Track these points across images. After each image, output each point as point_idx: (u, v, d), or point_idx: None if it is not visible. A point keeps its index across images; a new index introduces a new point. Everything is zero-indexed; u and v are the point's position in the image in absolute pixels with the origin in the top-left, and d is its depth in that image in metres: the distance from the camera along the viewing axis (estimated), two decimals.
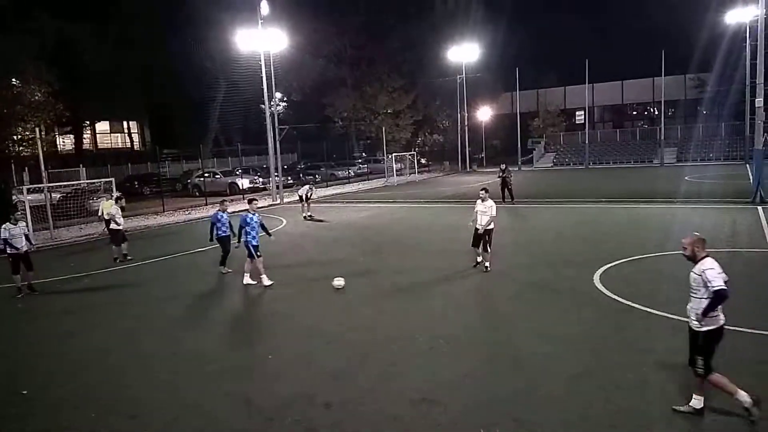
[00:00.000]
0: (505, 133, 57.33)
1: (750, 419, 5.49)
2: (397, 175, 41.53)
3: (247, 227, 11.78)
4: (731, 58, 42.56)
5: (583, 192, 27.31)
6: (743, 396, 5.54)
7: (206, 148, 42.52)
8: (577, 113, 60.32)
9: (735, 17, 37.04)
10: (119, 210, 15.75)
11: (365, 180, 43.75)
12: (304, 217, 22.35)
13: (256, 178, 37.19)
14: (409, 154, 46.02)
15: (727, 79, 46.38)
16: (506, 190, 24.58)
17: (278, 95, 33.16)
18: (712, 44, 45.47)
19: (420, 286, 11.46)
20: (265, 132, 31.28)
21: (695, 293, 5.62)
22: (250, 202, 12.45)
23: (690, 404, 5.76)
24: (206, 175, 35.47)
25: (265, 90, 30.27)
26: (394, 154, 42.91)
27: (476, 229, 12.04)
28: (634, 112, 62.76)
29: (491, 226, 12.00)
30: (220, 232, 13.28)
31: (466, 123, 51.82)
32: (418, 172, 46.20)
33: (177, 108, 46.58)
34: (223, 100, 45.22)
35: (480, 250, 12.11)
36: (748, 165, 33.88)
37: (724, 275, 5.52)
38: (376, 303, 10.45)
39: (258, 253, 11.79)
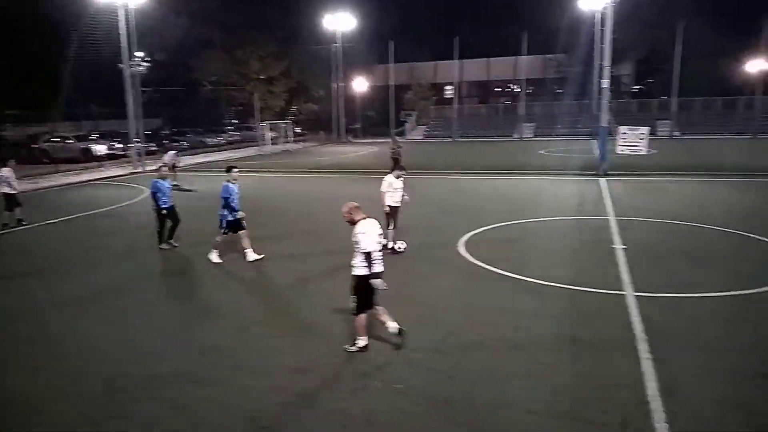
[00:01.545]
0: (380, 105, 58.07)
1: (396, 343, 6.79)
2: (271, 143, 40.53)
3: (230, 198, 10.58)
4: (585, 42, 46.47)
5: (450, 164, 28.59)
6: (392, 325, 6.81)
7: (56, 110, 38.33)
8: (446, 88, 62.60)
9: (588, 4, 40.30)
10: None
11: (237, 148, 42.24)
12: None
13: (114, 143, 34.34)
14: (284, 123, 45.04)
15: (580, 61, 50.69)
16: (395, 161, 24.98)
17: (140, 54, 30.55)
18: (568, 28, 49.30)
19: (305, 258, 11.41)
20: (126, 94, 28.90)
21: (356, 250, 6.60)
22: (229, 170, 10.92)
23: (356, 344, 6.78)
24: (56, 139, 32.06)
25: (124, 47, 27.84)
26: (267, 122, 41.76)
27: (391, 207, 11.36)
28: (498, 89, 66.44)
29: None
30: (161, 203, 11.93)
31: (341, 93, 51.70)
32: (294, 141, 45.47)
33: (20, 64, 41.23)
34: (76, 56, 40.75)
35: (391, 228, 11.37)
36: (594, 140, 37.50)
37: (374, 236, 6.56)
38: (255, 278, 10.27)
39: (225, 230, 10.84)
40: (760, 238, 11.78)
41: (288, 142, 43.82)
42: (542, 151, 35.24)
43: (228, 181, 10.69)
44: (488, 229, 13.22)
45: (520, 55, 49.14)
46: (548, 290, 8.92)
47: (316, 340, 7.24)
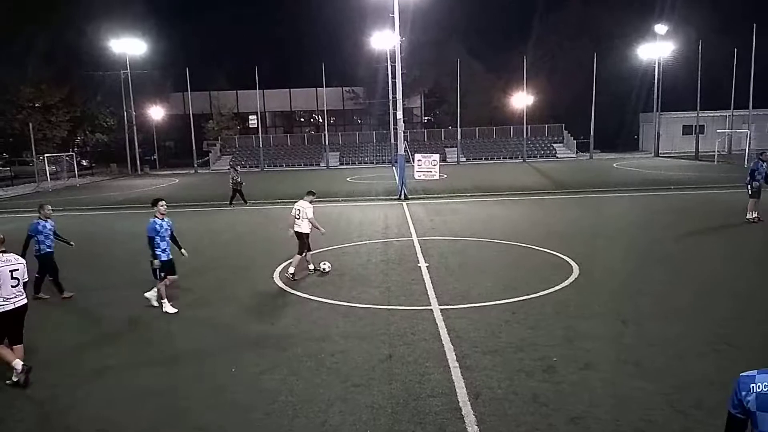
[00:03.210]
0: (179, 135, 55.22)
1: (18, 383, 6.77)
2: (51, 179, 35.93)
3: (157, 237, 9.23)
4: (378, 76, 49.71)
5: (261, 193, 28.18)
6: (18, 364, 6.77)
7: None
8: (250, 117, 61.96)
9: (379, 42, 43.32)
10: None
11: (9, 185, 36.66)
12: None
13: None
14: (67, 155, 40.31)
15: (375, 94, 54.11)
16: (238, 193, 23.84)
17: None
18: (361, 62, 52.43)
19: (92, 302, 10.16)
20: None
21: None
22: (155, 203, 9.53)
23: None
24: None
25: None
26: (46, 155, 36.99)
27: (302, 234, 11.38)
28: (302, 119, 67.70)
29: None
30: (43, 247, 10.17)
31: (134, 122, 48.03)
32: (79, 176, 40.87)
33: None
34: None
35: (307, 255, 11.58)
36: (394, 167, 39.99)
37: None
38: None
39: (162, 274, 9.41)
40: (536, 248, 13.56)
41: (72, 177, 39.27)
42: (349, 179, 36.58)
43: (155, 216, 9.39)
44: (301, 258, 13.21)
45: (320, 86, 50.74)
46: (361, 312, 9.17)
47: None
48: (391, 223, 18.20)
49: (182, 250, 9.92)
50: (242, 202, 23.82)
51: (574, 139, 53.39)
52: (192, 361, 7.55)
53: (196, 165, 48.72)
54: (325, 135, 51.40)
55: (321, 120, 59.32)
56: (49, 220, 10.33)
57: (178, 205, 23.21)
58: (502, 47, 58.52)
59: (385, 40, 40.24)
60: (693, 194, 23.12)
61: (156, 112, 52.80)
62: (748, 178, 15.96)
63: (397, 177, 27.57)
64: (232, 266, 12.80)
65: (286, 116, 66.48)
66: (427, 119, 65.94)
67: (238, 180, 23.83)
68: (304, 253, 11.51)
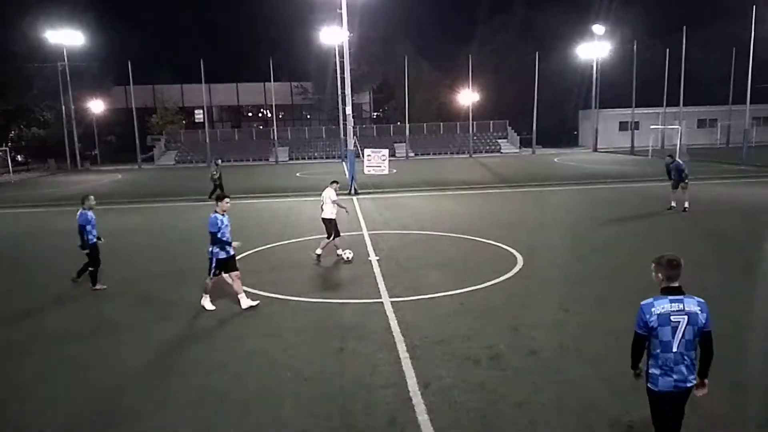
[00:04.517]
0: (122, 129, 53.33)
1: None
2: None
3: (218, 233, 8.93)
4: (327, 71, 49.50)
5: (206, 190, 27.63)
6: None
7: None
8: (196, 112, 60.53)
9: (327, 38, 43.13)
10: None
11: None
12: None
13: None
14: (0, 150, 38.33)
15: (324, 89, 53.84)
16: (218, 188, 23.26)
17: None
18: (310, 57, 52.00)
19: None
20: None
21: None
22: (221, 199, 9.22)
23: None
24: None
25: None
26: None
27: (326, 220, 12.26)
28: (250, 114, 66.62)
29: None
30: (91, 237, 10.32)
31: (73, 116, 46.07)
32: (13, 172, 38.93)
33: None
34: None
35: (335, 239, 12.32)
36: (344, 162, 39.99)
37: None
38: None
39: (215, 270, 9.12)
40: (482, 240, 13.95)
41: (6, 173, 37.36)
42: (299, 174, 36.34)
43: (215, 211, 9.08)
44: (252, 253, 13.13)
45: (268, 81, 50.08)
46: (312, 306, 9.25)
47: None
48: (342, 218, 18.23)
49: (234, 243, 9.60)
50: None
51: (517, 134, 54.87)
52: (141, 357, 7.44)
53: (140, 160, 47.26)
54: (273, 130, 50.82)
55: (270, 115, 58.55)
56: (92, 210, 10.14)
57: (121, 202, 22.56)
58: (449, 45, 59.53)
59: (333, 36, 40.08)
60: (628, 187, 24.24)
61: (96, 106, 50.80)
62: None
63: (347, 172, 27.62)
64: (180, 262, 12.58)
65: (233, 111, 65.28)
66: (376, 115, 66.18)
67: (217, 175, 23.53)
68: (332, 238, 12.24)
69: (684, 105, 43.58)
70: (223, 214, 9.08)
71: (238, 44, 64.25)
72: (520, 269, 11.17)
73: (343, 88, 29.89)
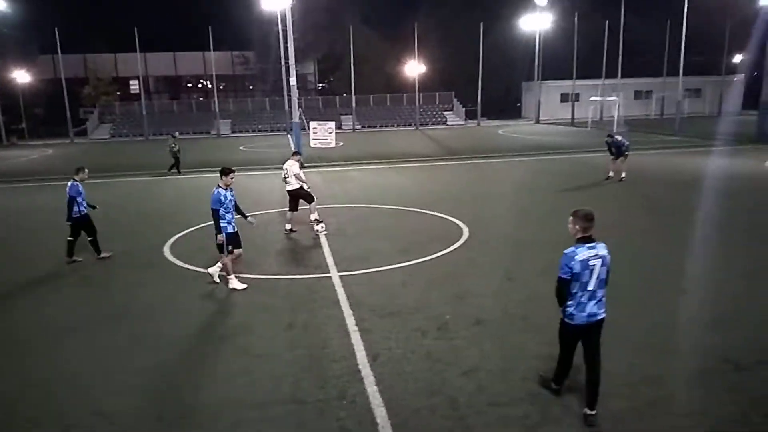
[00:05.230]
0: (50, 101, 50.33)
1: None
2: None
3: (221, 209, 8.53)
4: (269, 40, 48.02)
5: (144, 163, 26.64)
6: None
7: None
8: (131, 82, 57.73)
9: (268, 4, 41.65)
10: None
11: None
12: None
13: None
14: None
15: (267, 59, 52.32)
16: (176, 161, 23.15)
17: None
18: (251, 25, 50.25)
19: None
20: None
21: None
22: (226, 173, 8.85)
23: None
24: None
25: None
26: None
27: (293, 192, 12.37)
28: (189, 84, 64.18)
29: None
30: (81, 209, 10.33)
31: None
32: None
33: None
34: None
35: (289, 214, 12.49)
36: (289, 135, 39.28)
37: None
38: None
39: (230, 247, 8.71)
40: (429, 212, 14.08)
41: None
42: (242, 147, 35.50)
43: (219, 186, 8.71)
44: (195, 230, 12.80)
45: (208, 50, 48.24)
46: (261, 282, 9.13)
47: None
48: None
49: (249, 219, 9.43)
50: (176, 171, 23.09)
51: (463, 106, 55.27)
52: (81, 336, 7.17)
53: (72, 134, 44.92)
54: (215, 101, 49.21)
55: (210, 86, 56.59)
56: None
57: (55, 179, 21.44)
58: (395, 15, 58.83)
59: (275, 2, 38.82)
60: (568, 158, 24.95)
61: (21, 77, 47.65)
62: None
63: (292, 145, 27.15)
64: (120, 242, 12.09)
65: (171, 81, 62.62)
66: (322, 86, 65.09)
67: (176, 149, 22.96)
68: (311, 203, 12.45)
69: (622, 77, 44.98)
70: (226, 189, 8.74)
71: (175, 11, 61.37)
72: (465, 240, 11.36)
73: (286, 58, 29.13)
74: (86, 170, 10.66)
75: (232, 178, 8.90)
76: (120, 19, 49.93)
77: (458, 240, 11.33)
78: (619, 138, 18.12)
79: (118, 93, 56.11)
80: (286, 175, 12.33)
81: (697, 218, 12.83)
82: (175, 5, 60.98)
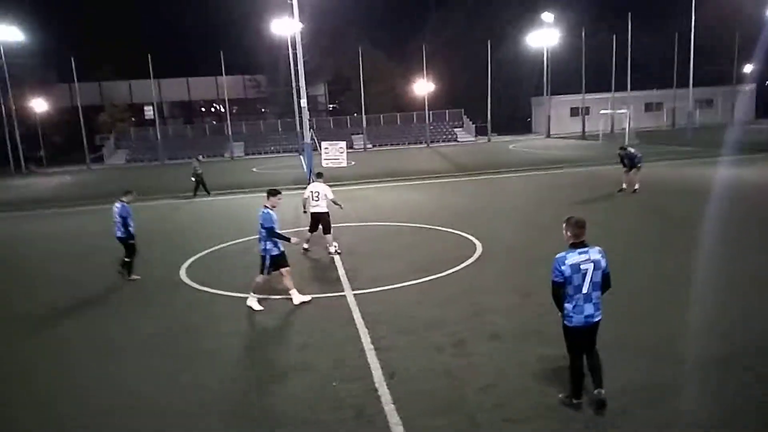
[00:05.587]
0: (68, 129, 51.36)
1: None
2: None
3: (274, 227, 8.74)
4: (279, 64, 48.75)
5: (160, 188, 27.00)
6: None
7: None
8: (145, 108, 58.75)
9: (278, 29, 42.42)
10: None
11: None
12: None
13: None
14: None
15: (278, 82, 53.04)
16: (200, 184, 23.46)
17: None
18: (262, 49, 51.08)
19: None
20: None
21: None
22: (274, 194, 9.08)
23: None
24: None
25: None
26: None
27: (313, 213, 12.26)
28: (203, 109, 65.17)
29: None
30: (131, 230, 10.82)
31: (14, 115, 44.07)
32: None
33: None
34: None
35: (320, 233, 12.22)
36: (301, 156, 39.61)
37: None
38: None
39: (269, 268, 8.85)
40: (442, 229, 14.09)
41: None
42: (255, 169, 35.83)
43: (266, 206, 8.84)
44: (210, 252, 12.90)
45: (220, 75, 49.03)
46: (275, 303, 9.16)
47: None
48: (301, 212, 18.06)
49: (293, 239, 9.44)
50: (205, 192, 23.45)
51: (473, 123, 55.48)
52: (99, 363, 7.23)
53: (89, 161, 45.68)
54: (228, 125, 49.90)
55: (223, 109, 57.38)
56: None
57: (79, 203, 21.80)
58: (402, 36, 59.45)
59: (285, 27, 39.49)
60: (580, 171, 24.87)
61: (39, 105, 48.71)
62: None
63: (304, 165, 27.37)
64: (137, 261, 12.23)
65: (185, 106, 63.68)
66: (332, 107, 65.74)
67: (200, 171, 23.33)
68: (329, 233, 12.21)
69: (631, 89, 44.94)
70: (272, 209, 8.85)
71: (188, 37, 62.59)
72: (479, 256, 11.33)
73: (297, 80, 29.51)
74: (134, 192, 11.29)
75: (279, 199, 9.10)
76: (134, 46, 51.06)
77: (472, 256, 11.31)
78: (632, 150, 18.08)
79: (133, 119, 57.15)
80: (317, 198, 12.16)
81: (709, 228, 12.70)
82: (188, 32, 62.27)
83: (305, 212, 12.61)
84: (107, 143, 51.48)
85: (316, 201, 12.19)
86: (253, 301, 8.94)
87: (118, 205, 10.86)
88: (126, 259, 10.95)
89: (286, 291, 9.19)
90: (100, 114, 54.39)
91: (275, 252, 8.81)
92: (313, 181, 12.62)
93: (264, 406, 5.93)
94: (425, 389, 6.06)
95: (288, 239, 8.99)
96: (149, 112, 55.44)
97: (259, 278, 8.95)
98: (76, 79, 45.09)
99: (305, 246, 12.35)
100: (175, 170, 39.04)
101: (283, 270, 8.98)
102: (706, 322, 7.48)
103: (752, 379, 5.86)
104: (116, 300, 10.06)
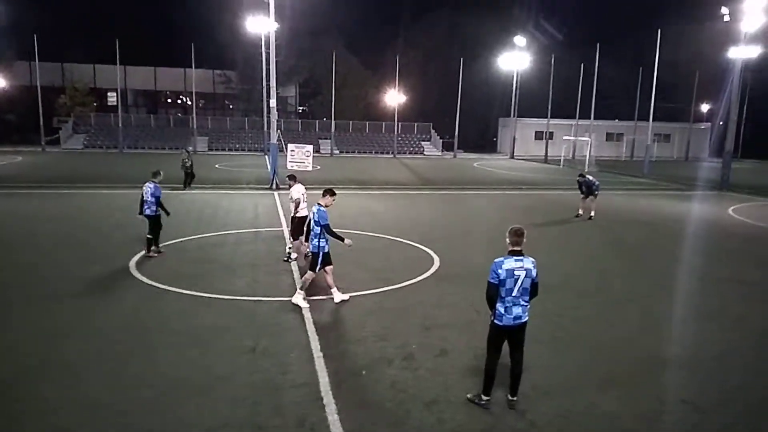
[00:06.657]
0: (24, 108, 49.45)
1: None
2: None
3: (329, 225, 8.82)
4: (252, 61, 48.23)
5: (118, 177, 26.24)
6: None
7: None
8: (108, 94, 57.21)
9: (254, 27, 41.96)
10: None
11: None
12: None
13: None
14: None
15: (249, 79, 52.47)
16: (189, 176, 23.11)
17: None
18: (235, 45, 50.42)
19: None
20: None
21: None
22: (332, 194, 9.26)
23: None
24: None
25: None
26: None
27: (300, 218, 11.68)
28: (168, 100, 63.82)
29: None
30: (154, 208, 11.61)
31: None
32: None
33: None
34: None
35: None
36: (266, 156, 39.18)
37: None
38: None
39: (320, 266, 8.92)
40: (402, 240, 14.12)
41: None
42: (218, 165, 35.24)
43: (319, 204, 8.97)
44: (162, 247, 12.57)
45: (189, 67, 48.16)
46: (226, 304, 8.99)
47: None
48: (261, 213, 17.90)
49: (347, 241, 9.28)
50: (189, 185, 23.02)
51: (440, 138, 56.09)
52: (57, 364, 6.93)
53: (44, 142, 44.07)
54: (193, 118, 48.99)
55: (189, 102, 56.35)
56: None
57: (21, 186, 20.95)
58: (379, 45, 59.84)
59: (260, 25, 39.14)
60: (540, 194, 25.39)
61: None
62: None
63: (269, 166, 27.08)
64: (82, 255, 11.85)
65: (150, 95, 62.20)
66: (302, 109, 65.40)
67: (189, 163, 22.96)
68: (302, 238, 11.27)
69: (595, 118, 46.27)
70: (325, 208, 8.95)
71: (158, 26, 61.31)
72: (436, 270, 11.40)
73: (268, 80, 29.23)
74: (162, 173, 12.12)
75: (334, 200, 9.27)
76: (102, 29, 49.70)
77: (428, 270, 11.37)
78: (591, 178, 18.57)
79: (95, 104, 55.46)
80: (299, 201, 11.95)
81: (659, 257, 13.14)
82: (159, 20, 61.01)
83: (295, 215, 11.89)
84: (65, 126, 49.77)
85: (305, 203, 11.89)
86: (299, 299, 8.95)
87: (150, 185, 11.58)
88: (149, 236, 11.56)
89: (235, 292, 9.00)
90: (61, 96, 52.58)
91: (327, 249, 8.92)
92: (293, 184, 12.35)
93: (205, 406, 5.78)
94: (371, 401, 6.03)
95: (342, 239, 8.98)
96: (113, 98, 53.99)
97: (309, 275, 9.03)
98: (37, 58, 43.47)
99: (294, 256, 11.81)
100: (131, 159, 38.02)
101: (327, 268, 9.03)
102: (655, 352, 7.69)
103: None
104: (66, 292, 9.68)
